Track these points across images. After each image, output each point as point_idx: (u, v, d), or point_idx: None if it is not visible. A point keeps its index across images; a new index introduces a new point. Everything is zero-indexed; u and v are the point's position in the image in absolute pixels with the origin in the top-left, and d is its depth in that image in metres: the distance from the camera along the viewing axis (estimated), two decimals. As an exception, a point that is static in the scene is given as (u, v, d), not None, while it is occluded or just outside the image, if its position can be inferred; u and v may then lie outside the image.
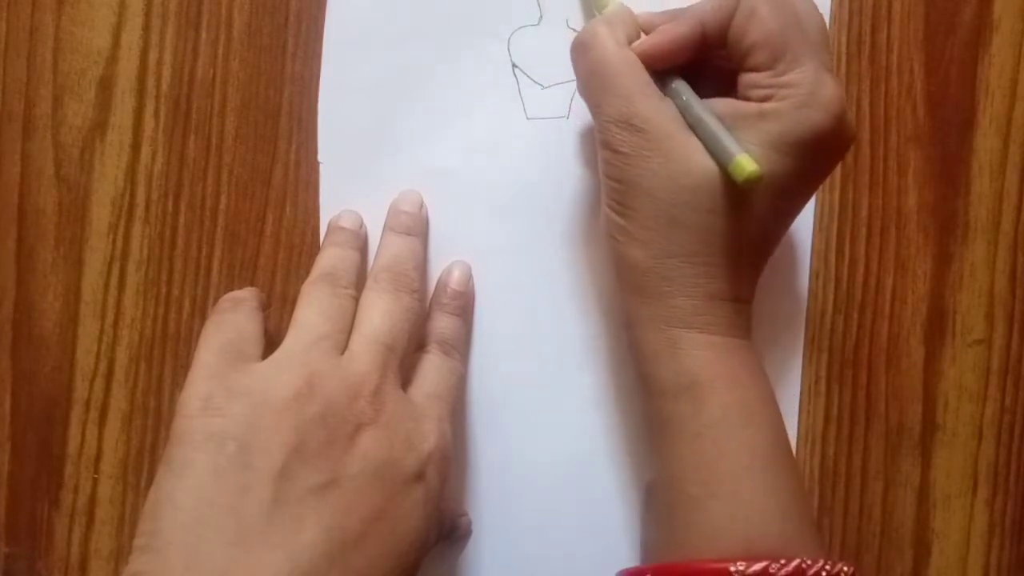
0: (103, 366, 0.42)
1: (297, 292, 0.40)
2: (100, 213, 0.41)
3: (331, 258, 0.37)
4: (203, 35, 0.41)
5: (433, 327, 0.39)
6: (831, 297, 0.41)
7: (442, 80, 0.40)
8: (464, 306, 0.40)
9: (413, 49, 0.40)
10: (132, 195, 0.41)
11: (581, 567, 0.41)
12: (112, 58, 0.41)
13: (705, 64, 0.35)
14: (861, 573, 0.42)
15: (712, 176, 0.33)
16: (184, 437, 0.31)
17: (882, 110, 0.41)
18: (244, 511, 0.29)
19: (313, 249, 0.41)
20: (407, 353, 0.36)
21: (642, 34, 0.36)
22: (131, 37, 0.41)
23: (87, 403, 0.42)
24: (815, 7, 0.34)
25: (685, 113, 0.34)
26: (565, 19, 0.40)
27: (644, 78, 0.34)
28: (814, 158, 0.33)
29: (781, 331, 0.41)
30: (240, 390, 0.32)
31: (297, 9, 0.41)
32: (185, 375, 0.41)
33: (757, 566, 0.30)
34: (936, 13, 0.41)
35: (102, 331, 0.42)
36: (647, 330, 0.34)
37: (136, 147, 0.41)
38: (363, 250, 0.39)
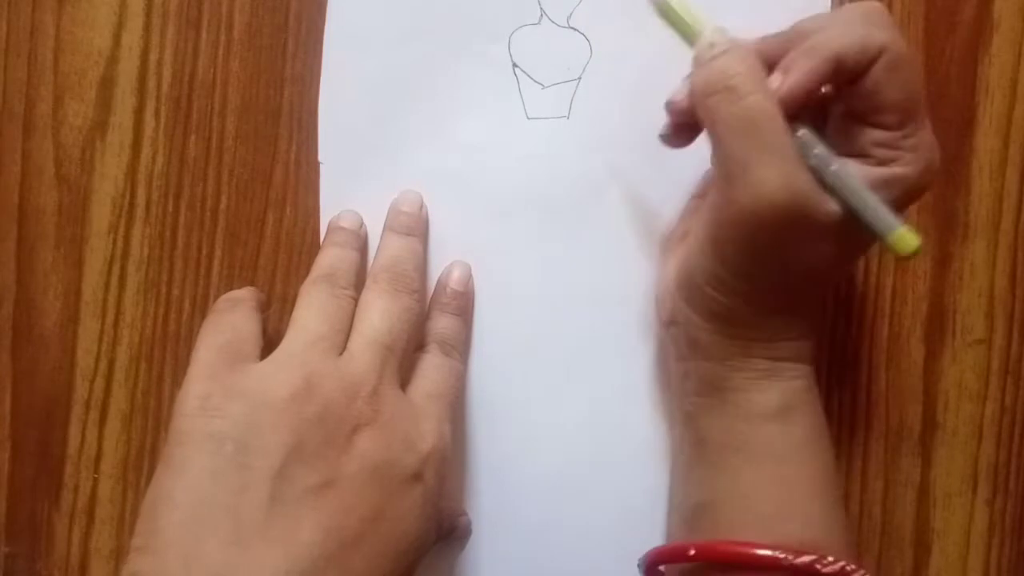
0: (103, 366, 0.42)
1: (297, 292, 0.40)
2: (100, 213, 0.41)
3: (330, 258, 0.37)
4: (203, 35, 0.41)
5: (433, 327, 0.39)
6: (831, 297, 0.41)
7: (442, 80, 0.40)
8: (464, 306, 0.40)
9: (413, 49, 0.40)
10: (132, 195, 0.41)
11: (581, 568, 0.41)
12: (112, 58, 0.41)
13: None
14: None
15: (839, 234, 0.32)
16: (182, 437, 0.31)
17: (882, 110, 0.41)
18: (242, 511, 0.29)
19: (313, 249, 0.41)
20: (407, 353, 0.36)
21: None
22: (131, 37, 0.41)
23: (87, 403, 0.42)
24: None
25: (821, 171, 0.31)
26: (566, 18, 0.40)
27: (790, 137, 0.31)
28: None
29: (781, 331, 0.41)
30: (238, 390, 0.32)
31: (297, 9, 0.41)
32: (185, 375, 0.41)
33: (805, 558, 0.32)
34: (936, 13, 0.41)
35: (102, 331, 0.42)
36: (747, 362, 0.35)
37: (136, 147, 0.41)
38: (363, 250, 0.39)
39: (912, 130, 0.31)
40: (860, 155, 0.32)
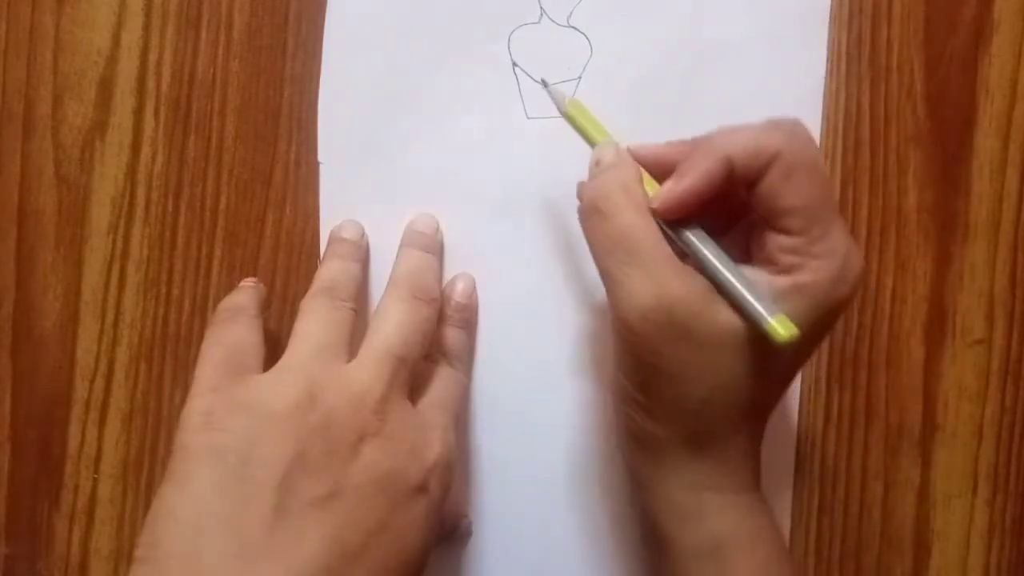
0: (103, 366, 0.42)
1: (297, 292, 0.40)
2: (100, 213, 0.41)
3: (331, 271, 0.37)
4: (203, 35, 0.41)
5: (438, 338, 0.39)
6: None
7: (442, 79, 0.40)
8: (468, 319, 0.40)
9: (413, 49, 0.40)
10: (132, 195, 0.41)
11: (581, 569, 0.41)
12: (112, 58, 0.41)
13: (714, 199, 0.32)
14: (861, 573, 0.42)
15: (743, 351, 0.31)
16: (186, 452, 0.31)
17: (882, 110, 0.41)
18: (245, 523, 0.29)
19: (313, 249, 0.41)
20: (417, 364, 0.36)
21: (646, 177, 0.33)
22: (131, 37, 0.41)
23: (87, 403, 0.42)
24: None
25: (708, 272, 0.31)
26: (566, 17, 0.40)
27: (669, 251, 0.31)
28: (829, 324, 0.33)
29: (781, 331, 0.41)
30: (240, 403, 0.31)
31: (297, 9, 0.41)
32: (185, 375, 0.41)
33: None
34: (936, 13, 0.41)
35: (102, 331, 0.42)
36: (669, 492, 0.34)
37: (136, 147, 0.41)
38: (364, 261, 0.39)
39: (818, 236, 0.31)
40: (768, 262, 0.32)
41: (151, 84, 0.41)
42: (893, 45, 0.41)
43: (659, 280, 0.31)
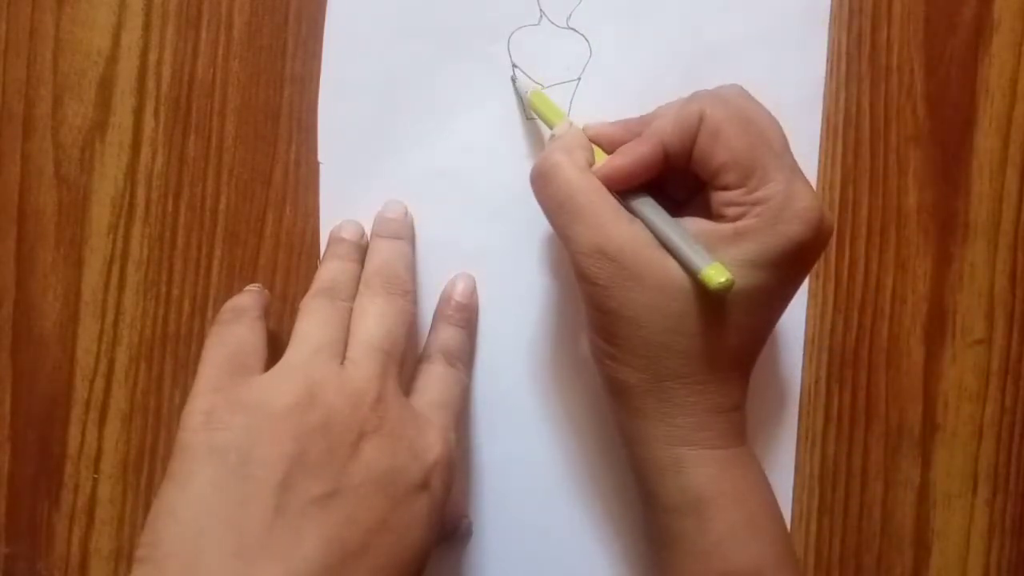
0: (103, 366, 0.42)
1: (297, 292, 0.40)
2: (100, 213, 0.41)
3: (331, 271, 0.37)
4: (203, 35, 0.41)
5: (437, 338, 0.39)
6: (831, 297, 0.41)
7: (442, 80, 0.40)
8: (469, 319, 0.40)
9: (413, 49, 0.40)
10: (132, 195, 0.41)
11: (581, 569, 0.41)
12: (112, 58, 0.41)
13: (671, 172, 0.35)
14: (861, 573, 0.42)
15: (692, 297, 0.32)
16: (187, 451, 0.31)
17: (882, 110, 0.41)
18: (245, 522, 0.29)
19: (313, 249, 0.41)
20: (405, 357, 0.36)
21: (595, 150, 0.35)
22: (131, 37, 0.41)
23: (87, 403, 0.42)
24: (771, 115, 0.34)
25: (652, 230, 0.33)
26: (565, 18, 0.40)
27: (611, 203, 0.33)
28: (792, 267, 0.33)
29: (781, 331, 0.41)
30: (241, 403, 0.32)
31: (297, 9, 0.41)
32: (185, 375, 0.41)
33: None
34: (936, 13, 0.41)
35: (102, 331, 0.42)
36: (648, 449, 0.34)
37: (136, 147, 0.41)
38: (364, 261, 0.39)
39: (756, 184, 0.32)
40: (718, 218, 0.33)
41: (151, 84, 0.41)
42: (893, 45, 0.41)
43: (601, 229, 0.33)
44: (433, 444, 0.34)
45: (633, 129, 0.35)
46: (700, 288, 0.32)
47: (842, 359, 0.41)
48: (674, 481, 0.34)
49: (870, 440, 0.42)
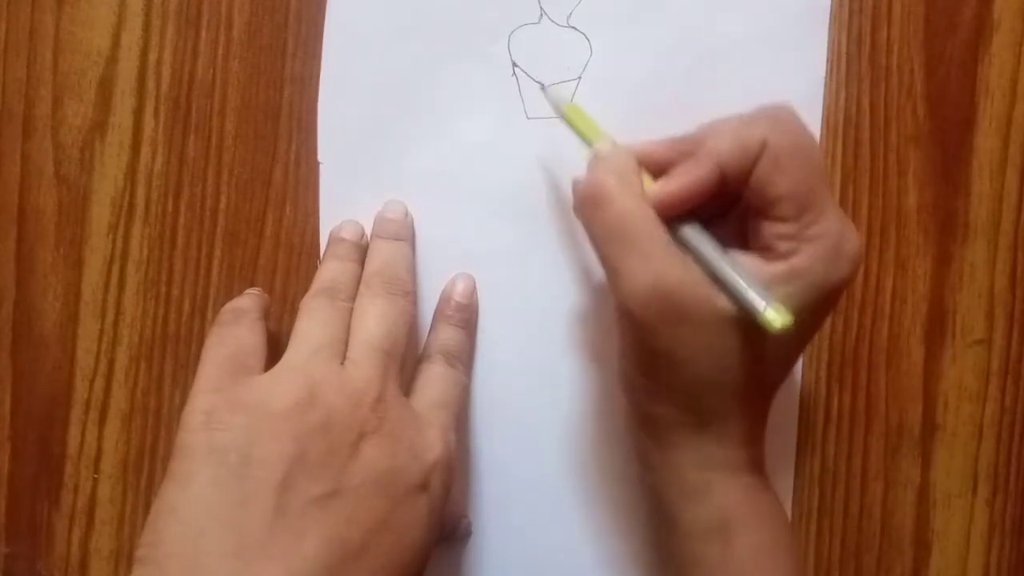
0: (103, 366, 0.42)
1: (297, 292, 0.40)
2: (100, 213, 0.41)
3: (331, 271, 0.37)
4: (203, 35, 0.41)
5: (436, 338, 0.39)
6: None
7: (442, 80, 0.40)
8: (468, 319, 0.40)
9: (413, 49, 0.40)
10: (132, 195, 0.41)
11: (581, 569, 0.41)
12: (112, 58, 0.41)
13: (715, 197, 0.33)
14: (861, 573, 0.42)
15: (738, 332, 0.32)
16: (187, 451, 0.31)
17: (882, 110, 0.41)
18: (245, 523, 0.29)
19: (313, 249, 0.41)
20: (405, 358, 0.36)
21: (643, 172, 0.33)
22: (131, 37, 0.41)
23: (87, 403, 0.42)
24: (818, 144, 0.33)
25: (703, 263, 0.32)
26: (566, 17, 0.40)
27: (665, 236, 0.32)
28: (831, 304, 0.33)
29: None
30: (242, 403, 0.31)
31: (297, 9, 0.41)
32: (185, 375, 0.41)
33: None
34: (936, 13, 0.41)
35: (102, 331, 0.42)
36: (678, 474, 0.34)
37: (136, 147, 0.41)
38: (364, 262, 0.39)
39: (811, 220, 0.31)
40: (764, 249, 0.32)
41: (151, 84, 0.41)
42: (893, 45, 0.41)
43: (656, 266, 0.31)
44: (433, 444, 0.34)
45: (681, 149, 0.33)
46: (747, 323, 0.31)
47: (842, 359, 0.41)
48: (702, 505, 0.34)
49: (870, 440, 0.42)
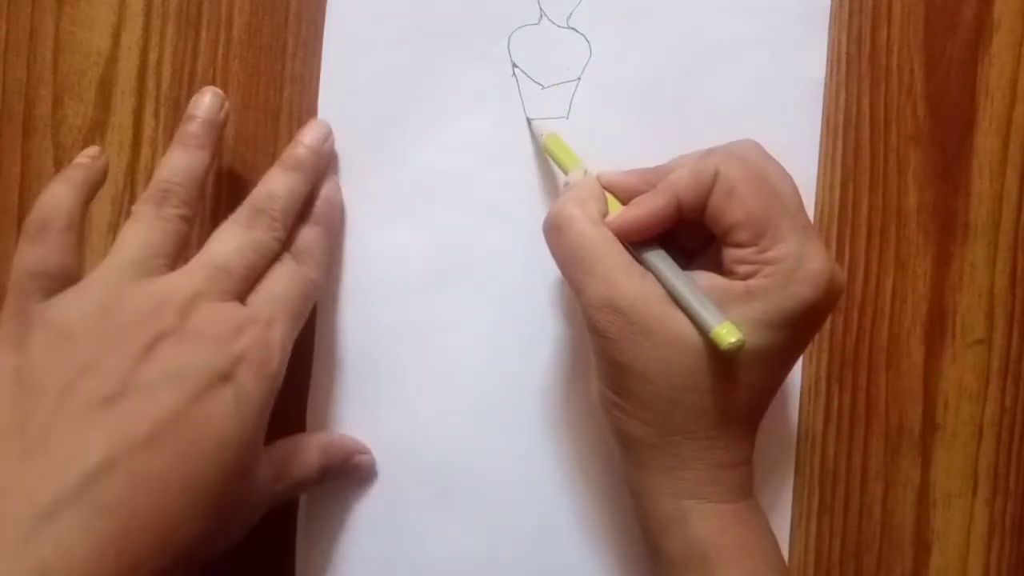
0: (103, 366, 0.42)
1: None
2: (100, 213, 0.41)
3: (168, 169, 0.36)
4: (203, 35, 0.41)
5: (290, 238, 0.38)
6: (831, 297, 0.41)
7: (442, 80, 0.40)
8: (327, 214, 0.39)
9: (413, 49, 0.40)
10: (132, 195, 0.41)
11: (581, 569, 0.41)
12: (112, 58, 0.41)
13: (684, 223, 0.35)
14: (861, 573, 0.42)
15: (703, 353, 0.32)
16: None
17: (882, 110, 0.41)
18: (28, 429, 0.30)
19: (313, 249, 0.41)
20: (248, 282, 0.35)
21: (610, 199, 0.35)
22: (131, 37, 0.41)
23: (87, 403, 0.42)
24: (786, 173, 0.34)
25: (663, 282, 0.33)
26: (566, 18, 0.40)
27: (624, 258, 0.34)
28: (802, 327, 0.33)
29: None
30: (38, 323, 0.32)
31: (297, 9, 0.41)
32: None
33: None
34: (936, 13, 0.41)
35: (102, 331, 0.41)
36: (654, 501, 0.34)
37: (136, 147, 0.41)
38: (214, 147, 0.37)
39: (768, 244, 0.32)
40: (729, 274, 0.33)
41: (151, 84, 0.41)
42: (893, 45, 0.41)
43: (612, 283, 0.33)
44: (245, 337, 0.33)
45: (649, 179, 0.35)
46: (711, 345, 0.32)
47: (842, 359, 0.41)
48: (679, 535, 0.34)
49: (870, 440, 0.42)
